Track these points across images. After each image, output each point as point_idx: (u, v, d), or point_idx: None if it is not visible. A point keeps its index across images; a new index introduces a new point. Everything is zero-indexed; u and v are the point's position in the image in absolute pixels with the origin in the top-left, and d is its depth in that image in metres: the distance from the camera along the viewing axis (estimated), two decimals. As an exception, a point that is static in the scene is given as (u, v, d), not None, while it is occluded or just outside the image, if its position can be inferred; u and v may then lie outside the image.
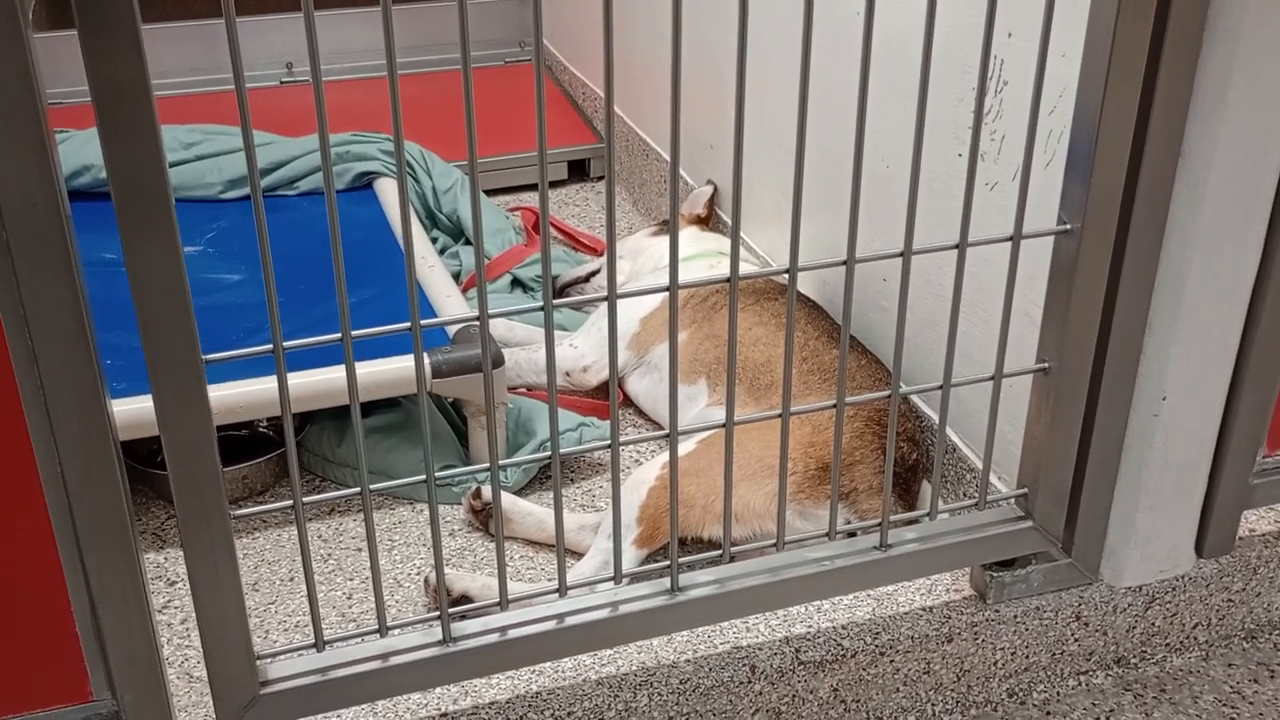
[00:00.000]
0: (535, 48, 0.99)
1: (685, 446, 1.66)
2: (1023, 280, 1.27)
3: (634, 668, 1.39)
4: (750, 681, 1.38)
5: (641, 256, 2.34)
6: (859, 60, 1.09)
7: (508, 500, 1.77)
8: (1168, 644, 1.57)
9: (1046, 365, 1.33)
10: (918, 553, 1.37)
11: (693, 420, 1.86)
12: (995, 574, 1.46)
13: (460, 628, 1.25)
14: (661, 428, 1.98)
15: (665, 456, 1.64)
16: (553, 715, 1.34)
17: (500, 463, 1.18)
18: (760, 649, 1.41)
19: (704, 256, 2.20)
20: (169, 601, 1.64)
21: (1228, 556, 1.54)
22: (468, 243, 2.54)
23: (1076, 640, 1.51)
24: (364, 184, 2.56)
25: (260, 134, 2.56)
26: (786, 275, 1.16)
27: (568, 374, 2.04)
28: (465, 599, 1.59)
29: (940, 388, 1.30)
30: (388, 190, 2.50)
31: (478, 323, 1.09)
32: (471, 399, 1.86)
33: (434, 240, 2.52)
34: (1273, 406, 1.45)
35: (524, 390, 2.04)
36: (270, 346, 1.04)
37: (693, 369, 1.92)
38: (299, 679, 1.20)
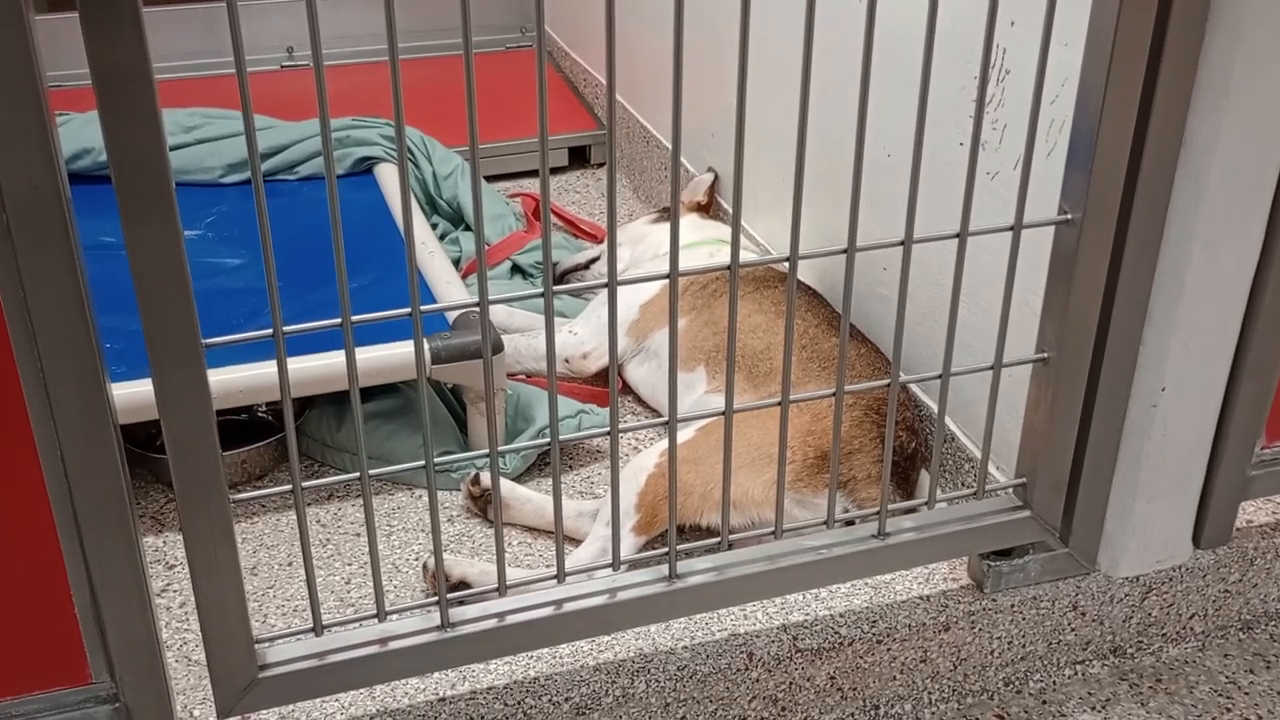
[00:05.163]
0: (537, 34, 0.99)
1: (684, 434, 1.66)
2: (1023, 270, 1.27)
3: (631, 654, 1.39)
4: (747, 669, 1.39)
5: (642, 244, 2.34)
6: (861, 48, 1.09)
7: (506, 486, 1.77)
8: (1164, 634, 1.57)
9: (1046, 355, 1.33)
10: (915, 541, 1.37)
11: (691, 407, 1.86)
12: (993, 563, 1.46)
13: (458, 613, 1.25)
14: (660, 415, 1.98)
15: (664, 444, 1.65)
16: (550, 700, 1.34)
17: (499, 449, 1.18)
18: (758, 636, 1.41)
19: (704, 244, 2.20)
20: (168, 585, 1.65)
21: (1225, 547, 1.54)
22: (468, 229, 2.54)
23: (1073, 630, 1.52)
24: (364, 169, 2.56)
25: (260, 118, 2.55)
26: (787, 263, 1.16)
27: (567, 360, 2.04)
28: (463, 585, 1.59)
29: (939, 377, 1.30)
30: (388, 175, 2.50)
31: (477, 309, 1.09)
32: (471, 385, 1.86)
33: (434, 226, 2.52)
34: (1271, 398, 1.45)
35: (523, 377, 2.04)
36: (270, 331, 1.04)
37: (691, 356, 1.92)
38: (297, 663, 1.21)
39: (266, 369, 1.69)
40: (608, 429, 1.21)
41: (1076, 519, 1.44)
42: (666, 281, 1.14)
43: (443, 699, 1.34)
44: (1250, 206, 1.30)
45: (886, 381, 1.29)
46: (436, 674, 1.37)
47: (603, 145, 3.05)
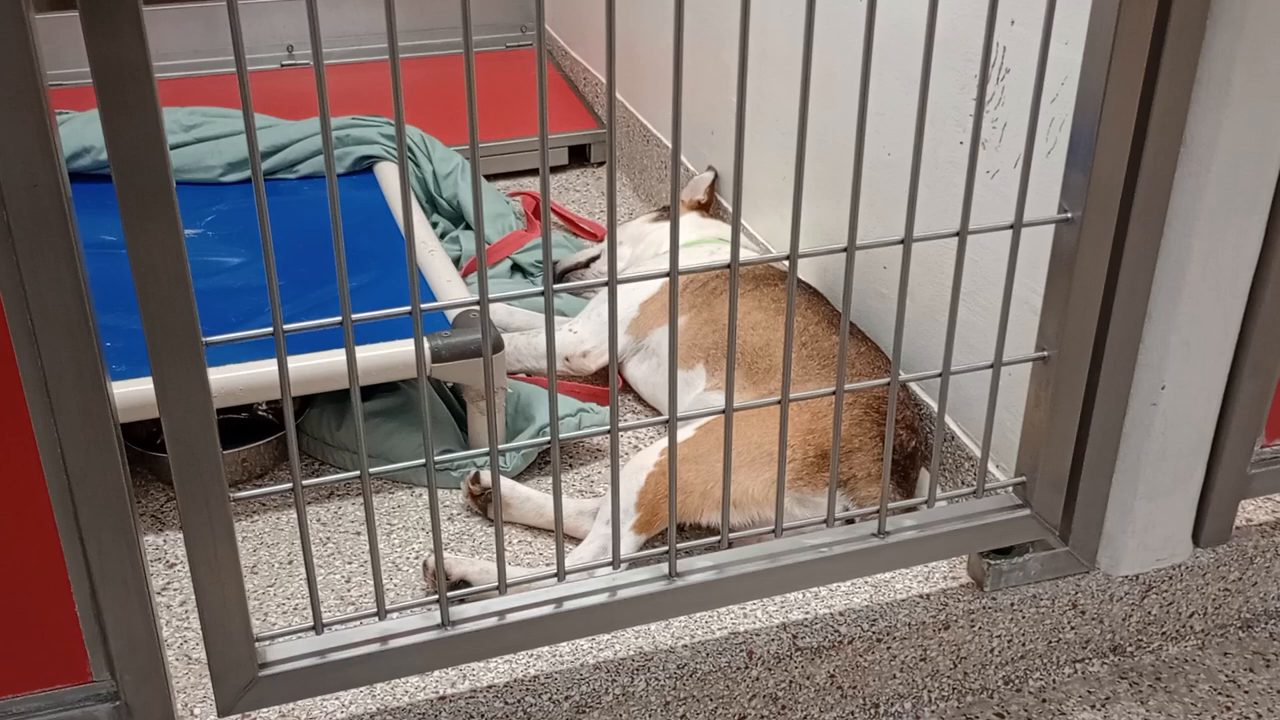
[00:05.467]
0: (537, 33, 0.99)
1: (684, 433, 1.66)
2: (1023, 268, 1.27)
3: (631, 652, 1.40)
4: (747, 667, 1.39)
5: (642, 243, 2.34)
6: (861, 47, 1.09)
7: (507, 485, 1.77)
8: (1164, 633, 1.58)
9: (1046, 353, 1.33)
10: (915, 540, 1.37)
11: (690, 405, 1.86)
12: (993, 562, 1.46)
13: (459, 611, 1.25)
14: (660, 413, 1.98)
15: (664, 442, 1.65)
16: (550, 699, 1.34)
17: (499, 447, 1.18)
18: (758, 635, 1.41)
19: (704, 243, 2.20)
20: (168, 583, 1.65)
21: (1224, 546, 1.55)
22: (468, 227, 2.54)
23: (1073, 628, 1.52)
24: (364, 168, 2.56)
25: (260, 117, 2.55)
26: (787, 261, 1.16)
27: (567, 359, 2.04)
28: (464, 583, 1.59)
29: (939, 375, 1.30)
30: (388, 174, 2.50)
31: (477, 307, 1.10)
32: (471, 384, 1.86)
33: (434, 225, 2.52)
34: (1271, 396, 1.45)
35: (523, 375, 2.04)
36: (270, 329, 1.04)
37: (691, 354, 1.92)
38: (298, 661, 1.21)
39: (267, 367, 1.70)
40: (608, 427, 1.21)
41: (1076, 517, 1.44)
42: (666, 280, 1.14)
43: (443, 697, 1.34)
44: (1250, 203, 1.30)
45: (886, 380, 1.29)
46: (437, 672, 1.37)
47: (603, 144, 3.05)
